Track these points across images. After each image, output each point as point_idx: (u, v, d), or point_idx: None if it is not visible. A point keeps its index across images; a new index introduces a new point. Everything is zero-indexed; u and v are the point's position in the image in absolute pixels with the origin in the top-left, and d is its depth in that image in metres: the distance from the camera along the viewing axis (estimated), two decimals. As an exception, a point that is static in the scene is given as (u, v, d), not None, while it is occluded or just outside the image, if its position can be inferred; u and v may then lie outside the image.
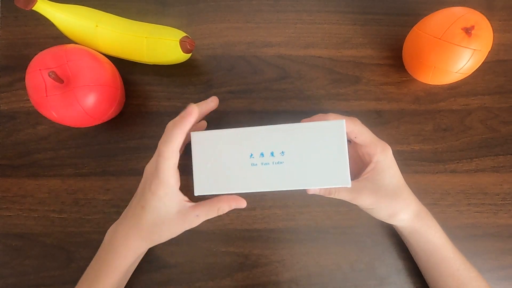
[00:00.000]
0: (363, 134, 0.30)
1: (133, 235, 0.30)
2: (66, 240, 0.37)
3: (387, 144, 0.31)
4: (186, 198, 0.30)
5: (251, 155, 0.28)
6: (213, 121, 0.39)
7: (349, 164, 0.27)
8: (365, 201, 0.31)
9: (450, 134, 0.39)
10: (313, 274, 0.37)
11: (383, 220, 0.33)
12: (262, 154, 0.28)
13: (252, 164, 0.28)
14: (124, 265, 0.31)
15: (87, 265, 0.37)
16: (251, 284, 0.37)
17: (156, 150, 0.29)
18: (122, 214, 0.33)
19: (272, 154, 0.28)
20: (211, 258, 0.37)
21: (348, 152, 0.27)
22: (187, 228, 0.30)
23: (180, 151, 0.29)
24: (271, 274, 0.37)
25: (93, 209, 0.38)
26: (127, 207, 0.33)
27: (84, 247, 0.37)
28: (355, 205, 0.39)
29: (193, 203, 0.30)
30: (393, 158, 0.32)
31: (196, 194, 0.28)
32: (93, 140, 0.39)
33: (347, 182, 0.27)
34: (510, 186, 0.38)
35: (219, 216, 0.37)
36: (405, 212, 0.32)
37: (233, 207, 0.30)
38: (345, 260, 0.37)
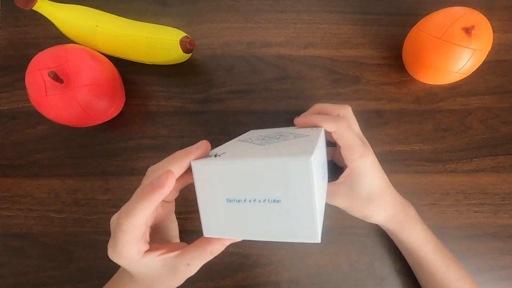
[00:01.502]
0: (344, 137, 0.29)
1: (134, 286, 0.27)
2: (66, 240, 0.37)
3: (368, 150, 0.30)
4: (163, 249, 0.24)
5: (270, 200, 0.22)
6: (213, 121, 0.39)
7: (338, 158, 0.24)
8: (339, 204, 0.31)
9: (450, 134, 0.39)
10: (313, 274, 0.37)
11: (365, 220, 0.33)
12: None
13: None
14: None
15: (87, 265, 0.37)
16: (251, 284, 0.37)
17: (115, 222, 0.23)
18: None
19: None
20: (211, 258, 0.37)
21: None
22: (182, 281, 0.26)
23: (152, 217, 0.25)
24: (271, 274, 0.37)
25: (93, 209, 0.38)
26: None
27: (84, 247, 0.37)
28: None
29: (177, 252, 0.25)
30: (374, 163, 0.30)
31: (205, 235, 0.24)
32: (93, 140, 0.39)
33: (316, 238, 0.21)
34: (510, 186, 0.38)
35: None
36: (379, 215, 0.32)
37: (227, 244, 0.25)
38: (345, 260, 0.37)
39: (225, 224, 0.23)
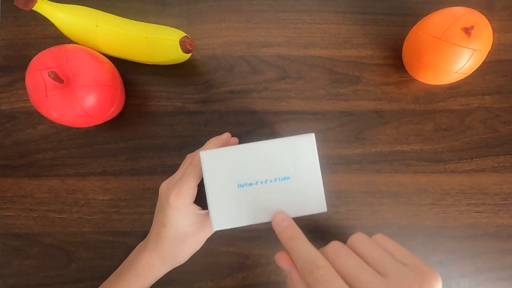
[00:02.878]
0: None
1: (155, 257, 0.31)
2: (66, 240, 0.37)
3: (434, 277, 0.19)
4: (199, 207, 0.31)
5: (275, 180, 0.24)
6: (213, 121, 0.39)
7: None
8: None
9: (450, 134, 0.39)
10: (313, 274, 0.37)
11: None
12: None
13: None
14: (142, 286, 0.31)
15: (87, 265, 0.37)
16: (251, 284, 0.37)
17: (188, 163, 0.30)
18: (149, 232, 0.33)
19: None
20: (211, 258, 0.37)
21: None
22: (207, 237, 0.31)
23: None
24: (271, 274, 0.37)
25: (93, 209, 0.38)
26: (152, 226, 0.33)
27: (84, 247, 0.37)
28: (355, 204, 0.39)
29: (206, 210, 0.30)
30: None
31: (214, 229, 0.25)
32: (93, 140, 0.39)
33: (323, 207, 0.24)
34: (510, 186, 0.38)
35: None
36: None
37: None
38: (345, 260, 0.37)
39: (235, 213, 0.24)
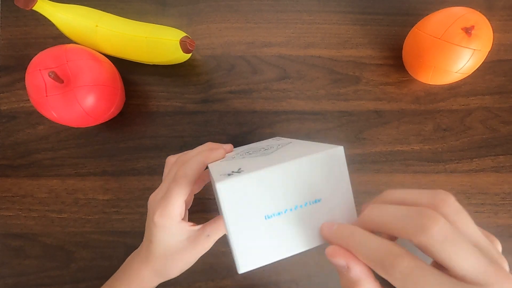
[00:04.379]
0: (453, 260, 0.15)
1: (146, 269, 0.29)
2: (66, 240, 0.37)
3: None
4: (190, 223, 0.28)
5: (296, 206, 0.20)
6: (213, 121, 0.39)
7: None
8: None
9: (450, 134, 0.39)
10: (313, 274, 0.37)
11: None
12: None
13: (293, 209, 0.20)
14: None
15: (87, 265, 0.37)
16: (251, 284, 0.37)
17: (173, 177, 0.26)
18: (143, 240, 0.31)
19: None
20: (211, 258, 0.37)
21: None
22: (201, 253, 0.29)
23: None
24: (271, 274, 0.37)
25: (93, 209, 0.38)
26: (144, 235, 0.31)
27: (84, 247, 0.37)
28: (355, 205, 0.39)
29: (199, 225, 0.29)
30: None
31: (240, 272, 0.21)
32: (93, 140, 0.39)
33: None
34: (510, 186, 0.38)
35: (219, 216, 0.38)
36: None
37: None
38: (345, 260, 0.37)
39: (263, 249, 0.20)
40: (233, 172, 0.20)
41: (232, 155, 0.28)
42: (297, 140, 0.27)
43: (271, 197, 0.19)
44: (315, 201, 0.20)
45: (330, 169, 0.20)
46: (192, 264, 0.30)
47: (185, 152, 0.29)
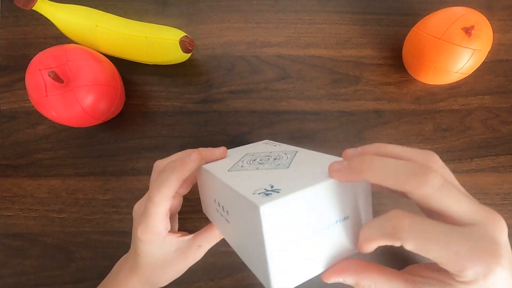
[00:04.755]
0: (449, 207, 0.17)
1: (134, 279, 0.28)
2: (66, 240, 0.37)
3: (501, 222, 0.17)
4: (179, 234, 0.27)
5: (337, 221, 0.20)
6: (213, 121, 0.39)
7: None
8: None
9: (450, 134, 0.39)
10: (313, 274, 0.37)
11: None
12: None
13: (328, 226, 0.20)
14: None
15: (87, 265, 0.37)
16: (251, 284, 0.37)
17: (148, 192, 0.26)
18: (130, 249, 0.30)
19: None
20: (211, 258, 0.37)
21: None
22: (192, 263, 0.28)
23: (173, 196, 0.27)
24: (271, 274, 0.37)
25: (93, 209, 0.38)
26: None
27: (84, 247, 0.37)
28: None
29: (190, 235, 0.28)
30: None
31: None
32: (93, 140, 0.39)
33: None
34: (510, 186, 0.38)
35: (219, 216, 0.38)
36: None
37: None
38: (345, 260, 0.37)
39: (297, 269, 0.20)
40: (266, 190, 0.19)
41: (233, 161, 0.27)
42: (302, 149, 0.27)
43: (308, 216, 0.19)
44: (344, 219, 0.21)
45: (355, 185, 0.20)
46: (183, 272, 0.29)
47: (173, 159, 0.27)
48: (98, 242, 0.38)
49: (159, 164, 0.28)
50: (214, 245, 0.38)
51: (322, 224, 0.20)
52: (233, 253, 0.37)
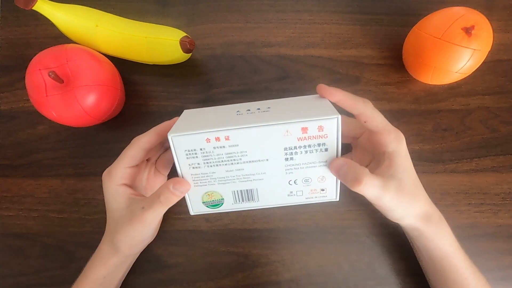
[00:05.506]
0: (375, 118, 0.27)
1: (103, 242, 0.31)
2: (66, 240, 0.37)
3: (400, 132, 0.28)
4: (135, 192, 0.29)
5: (238, 112, 0.28)
6: (213, 121, 0.39)
7: (358, 155, 0.31)
8: (390, 202, 0.27)
9: (450, 134, 0.39)
10: (313, 274, 0.37)
11: (393, 221, 0.30)
12: (248, 110, 0.28)
13: (238, 113, 0.27)
14: (97, 276, 0.31)
15: (87, 265, 0.37)
16: (251, 284, 0.37)
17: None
18: None
19: (258, 109, 0.28)
20: (211, 258, 0.37)
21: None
22: (142, 229, 0.28)
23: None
24: (271, 274, 0.37)
25: (93, 209, 0.38)
26: None
27: (84, 247, 0.37)
28: (355, 205, 0.39)
29: (139, 197, 0.29)
30: (407, 148, 0.28)
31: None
32: (93, 140, 0.39)
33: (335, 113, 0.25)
34: (510, 186, 0.38)
35: (219, 216, 0.38)
36: (419, 213, 0.29)
37: (176, 193, 0.26)
38: (345, 260, 0.37)
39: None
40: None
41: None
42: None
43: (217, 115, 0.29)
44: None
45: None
46: (139, 243, 0.30)
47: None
48: (98, 242, 0.37)
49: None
50: (214, 245, 0.38)
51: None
52: (232, 253, 0.37)
